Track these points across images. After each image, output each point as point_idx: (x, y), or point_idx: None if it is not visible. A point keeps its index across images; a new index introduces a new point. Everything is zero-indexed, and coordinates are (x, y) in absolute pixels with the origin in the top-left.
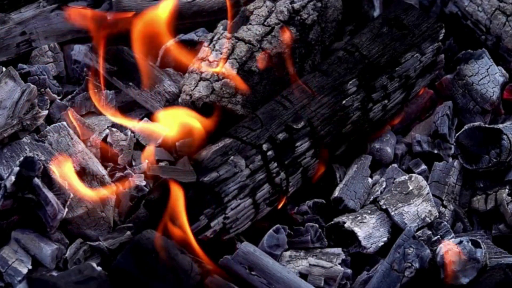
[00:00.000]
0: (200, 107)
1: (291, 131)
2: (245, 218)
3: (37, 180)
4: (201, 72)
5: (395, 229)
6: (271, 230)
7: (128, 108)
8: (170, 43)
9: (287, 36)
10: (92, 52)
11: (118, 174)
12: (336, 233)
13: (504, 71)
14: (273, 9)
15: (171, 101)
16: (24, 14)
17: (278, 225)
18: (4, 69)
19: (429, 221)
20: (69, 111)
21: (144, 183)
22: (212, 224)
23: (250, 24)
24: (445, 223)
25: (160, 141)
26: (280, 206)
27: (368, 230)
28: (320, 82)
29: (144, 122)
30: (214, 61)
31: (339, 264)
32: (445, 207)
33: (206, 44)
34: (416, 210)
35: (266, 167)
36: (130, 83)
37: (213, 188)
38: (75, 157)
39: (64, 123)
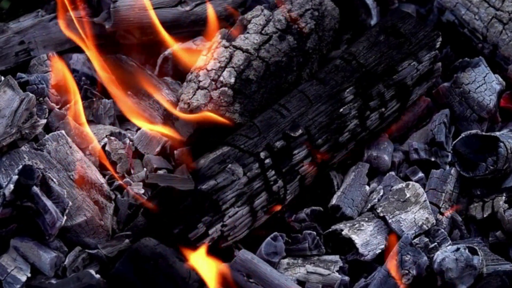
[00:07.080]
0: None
1: (288, 139)
2: (243, 226)
3: (35, 188)
4: (199, 81)
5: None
6: (269, 238)
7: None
8: (168, 51)
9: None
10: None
11: (117, 183)
12: (334, 240)
13: (501, 79)
14: (270, 17)
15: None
16: (23, 23)
17: (276, 233)
18: (2, 78)
19: (426, 228)
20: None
21: (142, 191)
22: (210, 231)
23: (248, 32)
24: (442, 230)
25: (158, 150)
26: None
27: (366, 238)
28: (318, 90)
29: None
30: (212, 70)
31: (337, 271)
32: (442, 214)
33: (204, 53)
34: (413, 217)
35: (263, 175)
36: (129, 92)
37: (211, 196)
38: (74, 166)
39: (63, 131)
